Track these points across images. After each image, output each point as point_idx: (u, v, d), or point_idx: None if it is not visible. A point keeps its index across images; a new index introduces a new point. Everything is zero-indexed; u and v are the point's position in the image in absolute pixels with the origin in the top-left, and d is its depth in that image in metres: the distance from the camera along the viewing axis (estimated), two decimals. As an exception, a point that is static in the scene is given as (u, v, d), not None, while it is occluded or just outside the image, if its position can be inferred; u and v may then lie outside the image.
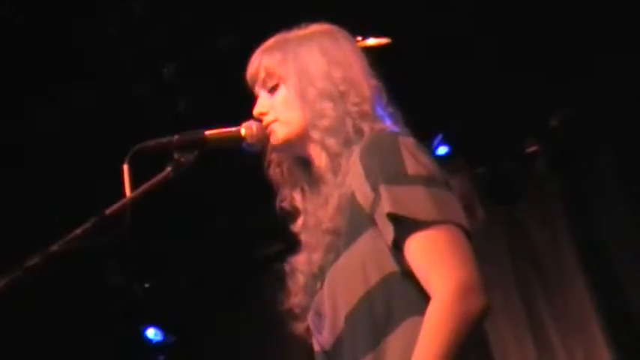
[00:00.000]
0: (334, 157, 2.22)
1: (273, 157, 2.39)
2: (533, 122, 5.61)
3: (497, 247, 5.81)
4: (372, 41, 4.65)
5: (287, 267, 2.33)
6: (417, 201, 2.06)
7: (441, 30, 4.90)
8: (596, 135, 5.57)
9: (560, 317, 5.68)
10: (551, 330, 5.69)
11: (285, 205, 2.37)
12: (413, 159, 2.11)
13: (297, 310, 2.30)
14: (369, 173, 2.11)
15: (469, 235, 2.09)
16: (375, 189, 2.09)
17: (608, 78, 5.25)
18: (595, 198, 5.68)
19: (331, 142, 2.23)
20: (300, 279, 2.29)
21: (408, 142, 2.15)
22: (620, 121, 5.43)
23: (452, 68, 5.05)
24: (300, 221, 2.34)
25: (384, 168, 2.10)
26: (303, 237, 2.31)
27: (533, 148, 5.70)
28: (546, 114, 5.55)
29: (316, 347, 2.27)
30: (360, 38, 4.53)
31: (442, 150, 5.53)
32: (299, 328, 2.31)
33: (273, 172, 2.39)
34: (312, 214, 2.26)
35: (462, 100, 5.30)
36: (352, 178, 2.16)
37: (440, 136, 5.49)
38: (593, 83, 5.30)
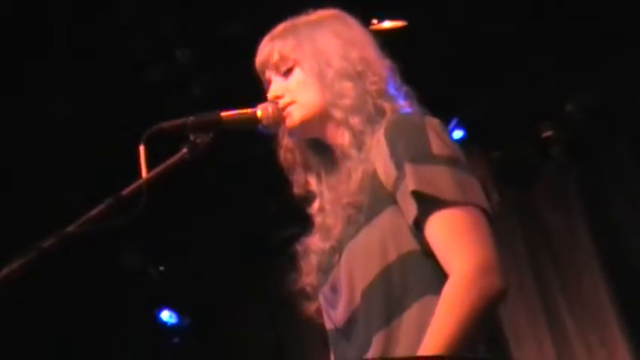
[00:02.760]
0: (359, 134, 2.23)
1: (286, 141, 2.39)
2: (549, 107, 5.59)
3: (512, 231, 5.80)
4: (387, 24, 4.65)
5: (300, 247, 2.34)
6: (441, 181, 2.07)
7: (457, 14, 4.89)
8: (612, 120, 5.55)
9: (574, 302, 5.67)
10: (566, 315, 5.68)
11: (299, 189, 2.38)
12: (439, 140, 2.13)
13: (308, 290, 2.31)
14: (393, 151, 2.13)
15: (490, 218, 2.11)
16: (399, 167, 2.11)
17: (625, 63, 5.23)
18: (610, 183, 5.66)
19: (355, 120, 2.24)
20: (313, 259, 2.30)
21: (434, 123, 2.17)
22: (637, 106, 5.41)
23: (467, 52, 5.03)
24: (316, 204, 2.35)
25: (409, 147, 2.11)
26: (318, 219, 2.32)
27: (549, 133, 5.68)
28: (562, 99, 5.53)
29: (329, 325, 2.28)
30: (375, 21, 4.53)
31: (457, 134, 5.52)
32: (310, 308, 2.32)
33: (285, 157, 2.40)
34: (333, 190, 2.26)
35: (477, 85, 5.29)
36: (375, 155, 2.17)
37: (455, 120, 5.48)
38: (609, 68, 5.27)
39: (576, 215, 5.76)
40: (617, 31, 5.01)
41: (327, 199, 2.32)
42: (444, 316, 1.99)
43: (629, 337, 5.44)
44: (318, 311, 2.32)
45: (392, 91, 2.29)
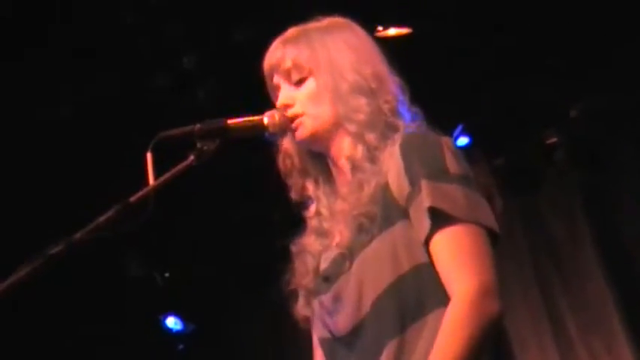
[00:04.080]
0: (373, 149, 2.24)
1: (285, 147, 2.39)
2: (553, 113, 5.59)
3: (516, 239, 5.80)
4: (392, 31, 4.66)
5: (294, 248, 2.35)
6: (455, 198, 2.10)
7: (461, 20, 4.90)
8: (616, 126, 5.55)
9: (579, 310, 5.67)
10: (570, 323, 5.68)
11: (296, 194, 2.38)
12: (454, 159, 2.16)
13: (302, 292, 2.31)
14: (408, 166, 2.14)
15: (498, 238, 2.14)
16: (413, 183, 2.13)
17: (629, 69, 5.23)
18: (614, 189, 5.66)
19: (371, 136, 2.24)
20: (309, 260, 2.31)
21: (449, 143, 2.21)
22: (641, 112, 5.41)
23: (472, 59, 5.04)
24: (312, 208, 2.36)
25: (425, 164, 2.13)
26: (314, 222, 2.33)
27: (553, 140, 5.69)
28: (566, 105, 5.54)
29: (322, 333, 2.27)
30: (380, 28, 4.54)
31: (462, 141, 5.52)
32: (301, 311, 2.32)
33: (284, 163, 2.40)
34: (341, 199, 2.27)
35: (481, 91, 5.29)
36: (389, 170, 2.19)
37: (460, 127, 5.48)
38: (613, 74, 5.28)
39: (580, 221, 5.76)
40: (622, 36, 5.01)
41: (324, 204, 2.33)
42: (448, 336, 2.02)
43: (634, 344, 5.43)
44: (307, 318, 2.32)
45: (403, 110, 2.30)
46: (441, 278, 2.10)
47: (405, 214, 2.14)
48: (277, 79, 2.36)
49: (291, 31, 2.39)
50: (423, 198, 2.10)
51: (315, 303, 2.28)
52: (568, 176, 5.79)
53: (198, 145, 2.21)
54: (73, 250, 2.04)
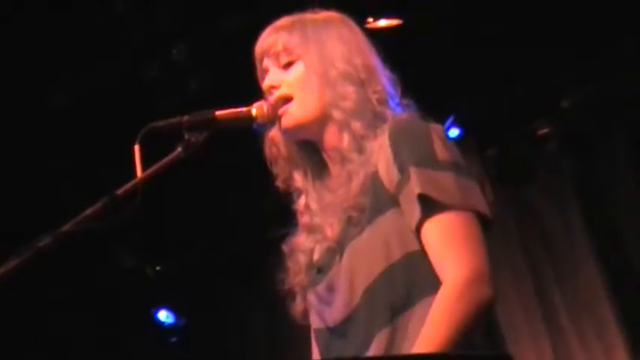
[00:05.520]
0: (359, 138, 2.24)
1: (272, 135, 2.38)
2: (544, 103, 5.59)
3: (508, 228, 5.80)
4: (383, 22, 4.65)
5: (286, 247, 2.35)
6: (445, 185, 2.10)
7: (451, 11, 4.89)
8: (608, 116, 5.55)
9: (571, 298, 5.67)
10: (562, 311, 5.68)
11: (283, 184, 2.38)
12: (443, 146, 2.16)
13: (297, 290, 2.32)
14: (397, 154, 2.15)
15: (490, 224, 2.14)
16: (402, 170, 2.13)
17: (620, 58, 5.23)
18: (607, 179, 5.66)
19: (357, 124, 2.25)
20: (301, 258, 2.31)
21: (438, 129, 2.21)
22: (632, 101, 5.41)
23: (462, 49, 5.03)
24: (301, 201, 2.35)
25: (414, 151, 2.14)
26: (305, 218, 2.33)
27: (545, 131, 5.68)
28: (557, 95, 5.53)
29: (318, 324, 2.28)
30: (371, 20, 4.53)
31: (454, 132, 5.51)
32: (297, 308, 2.33)
33: (270, 151, 2.40)
34: (328, 191, 2.27)
35: (472, 82, 5.28)
36: (378, 159, 2.19)
37: (451, 118, 5.47)
38: (604, 63, 5.28)
39: (572, 211, 5.76)
40: (613, 26, 5.00)
41: (313, 198, 2.33)
42: (437, 322, 2.02)
43: (625, 331, 5.44)
44: (304, 312, 2.33)
45: (393, 102, 2.30)
46: (432, 266, 2.10)
47: (395, 202, 2.15)
48: (267, 63, 2.36)
49: (286, 19, 2.39)
50: (413, 185, 2.10)
51: (311, 295, 2.29)
52: (560, 166, 5.79)
53: (186, 136, 2.21)
54: (61, 242, 2.03)
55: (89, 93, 4.87)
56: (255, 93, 2.38)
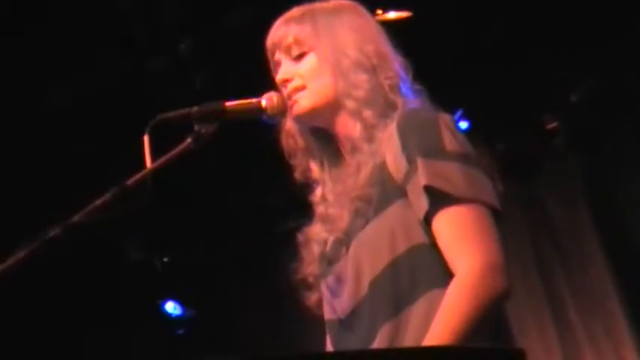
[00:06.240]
0: (370, 127, 2.23)
1: (288, 126, 2.38)
2: (553, 98, 5.57)
3: (516, 223, 5.79)
4: (392, 15, 4.65)
5: (301, 237, 2.34)
6: (453, 177, 2.09)
7: (461, 4, 4.88)
8: (617, 110, 5.54)
9: (579, 294, 5.67)
10: (570, 307, 5.68)
11: (300, 175, 2.37)
12: (452, 136, 2.14)
13: (310, 280, 2.31)
14: (405, 145, 2.13)
15: (501, 216, 2.12)
16: (410, 161, 2.12)
17: (630, 52, 5.22)
18: (614, 173, 5.65)
19: (368, 113, 2.24)
20: (315, 248, 2.30)
21: (447, 119, 2.19)
22: (641, 96, 5.40)
23: (471, 43, 5.02)
24: (318, 192, 2.35)
25: (422, 142, 2.12)
26: (320, 208, 2.32)
27: (553, 125, 5.67)
28: (566, 89, 5.52)
29: (330, 315, 2.28)
30: (380, 12, 4.52)
31: (462, 125, 5.50)
32: (312, 298, 2.32)
33: (287, 142, 2.39)
34: (340, 182, 2.27)
35: (480, 76, 5.27)
36: (386, 149, 2.18)
37: (460, 112, 5.46)
38: (614, 58, 5.26)
39: (580, 206, 5.75)
40: (622, 20, 4.99)
41: (329, 188, 2.32)
42: (448, 313, 2.00)
43: (634, 327, 5.44)
44: (319, 302, 2.32)
45: (404, 88, 2.29)
46: (443, 258, 2.08)
47: (403, 193, 2.13)
48: (279, 56, 2.36)
49: (296, 10, 2.38)
50: (419, 176, 2.09)
51: (323, 286, 2.29)
52: (568, 161, 5.78)
53: (196, 127, 2.20)
54: (70, 233, 2.03)
55: (96, 87, 4.88)
56: (262, 87, 2.37)
